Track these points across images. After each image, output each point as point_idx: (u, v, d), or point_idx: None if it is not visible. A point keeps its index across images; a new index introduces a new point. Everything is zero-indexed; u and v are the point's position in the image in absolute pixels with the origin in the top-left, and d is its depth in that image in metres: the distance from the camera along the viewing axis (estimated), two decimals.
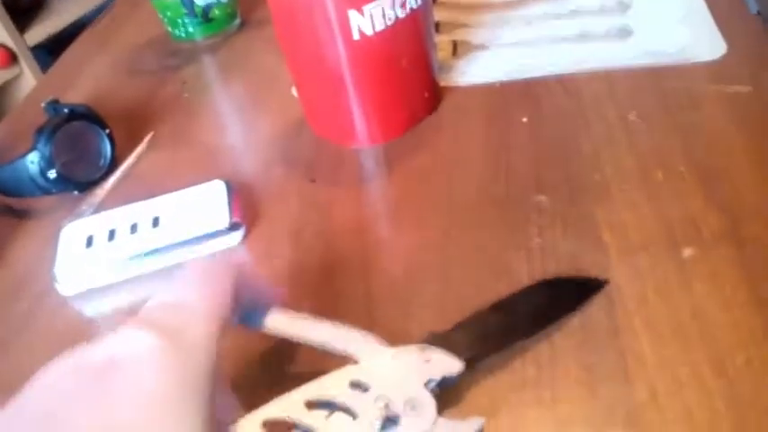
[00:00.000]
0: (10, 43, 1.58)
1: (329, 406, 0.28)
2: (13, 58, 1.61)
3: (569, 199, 0.42)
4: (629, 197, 0.41)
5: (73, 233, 0.44)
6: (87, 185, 0.51)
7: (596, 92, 0.51)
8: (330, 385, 0.28)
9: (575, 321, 0.35)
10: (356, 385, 0.29)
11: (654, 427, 0.30)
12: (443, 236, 0.41)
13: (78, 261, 0.42)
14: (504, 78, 0.54)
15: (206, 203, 0.44)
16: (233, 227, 0.43)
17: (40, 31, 1.64)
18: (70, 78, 0.68)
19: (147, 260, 0.42)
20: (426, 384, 0.29)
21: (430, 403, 0.29)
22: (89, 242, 0.43)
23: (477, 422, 0.29)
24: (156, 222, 0.43)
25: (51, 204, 0.50)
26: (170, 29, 0.69)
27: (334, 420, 0.28)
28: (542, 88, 0.52)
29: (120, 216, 0.44)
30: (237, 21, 0.70)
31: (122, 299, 0.42)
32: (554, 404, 0.31)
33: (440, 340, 0.31)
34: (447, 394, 0.31)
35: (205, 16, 0.67)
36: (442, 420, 0.28)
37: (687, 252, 0.37)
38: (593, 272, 0.37)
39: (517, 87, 0.53)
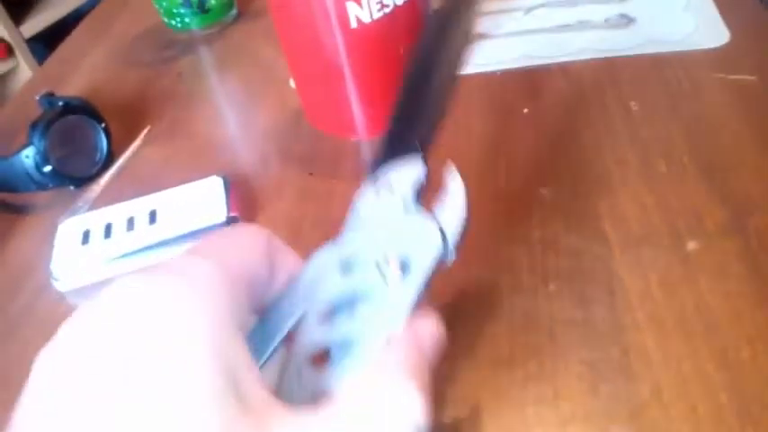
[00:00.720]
0: (6, 36, 1.58)
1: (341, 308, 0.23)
2: (8, 51, 1.60)
3: (571, 191, 0.41)
4: (631, 189, 0.41)
5: (69, 229, 0.43)
6: (83, 180, 0.50)
7: (598, 81, 0.50)
8: (320, 288, 0.23)
9: (577, 316, 0.34)
10: (346, 268, 0.24)
11: (658, 423, 0.29)
12: None
13: (75, 257, 0.42)
14: (505, 68, 0.53)
15: (203, 198, 0.44)
16: (230, 221, 0.42)
17: (36, 24, 1.63)
18: (66, 71, 0.67)
19: (143, 256, 0.41)
20: (407, 208, 0.24)
21: (426, 226, 0.24)
22: (86, 238, 0.42)
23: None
24: (153, 218, 0.43)
25: (47, 200, 0.50)
26: (166, 20, 0.68)
27: (354, 318, 0.23)
28: (543, 78, 0.51)
29: (116, 212, 0.44)
30: (234, 11, 0.69)
31: None
32: (556, 401, 0.31)
33: (381, 161, 0.26)
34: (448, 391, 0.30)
35: (201, 7, 0.66)
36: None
37: (691, 245, 0.36)
38: (596, 266, 0.36)
39: (518, 77, 0.52)
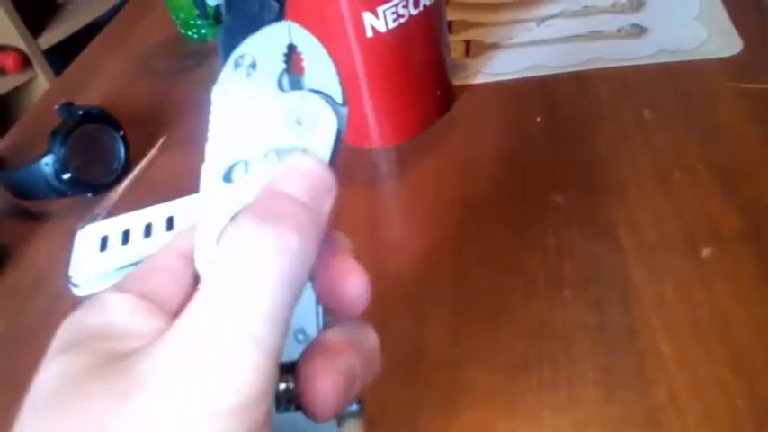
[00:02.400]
0: (23, 47, 1.60)
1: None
2: (26, 62, 1.62)
3: (586, 198, 0.41)
4: (646, 196, 0.41)
5: (87, 235, 0.44)
6: (101, 188, 0.51)
7: (611, 90, 0.50)
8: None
9: (592, 322, 0.34)
10: (229, 174, 0.20)
11: (674, 428, 0.29)
12: (458, 236, 0.41)
13: (93, 263, 0.42)
14: (518, 77, 0.53)
15: None
16: None
17: (54, 36, 1.65)
18: (84, 81, 0.68)
19: None
20: (282, 86, 0.20)
21: (308, 100, 0.20)
22: (104, 244, 0.43)
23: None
24: (170, 224, 0.43)
25: (66, 207, 0.50)
26: (183, 30, 0.69)
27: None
28: (556, 87, 0.52)
29: (134, 219, 0.44)
30: None
31: None
32: (571, 406, 0.31)
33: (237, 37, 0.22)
34: (463, 395, 0.30)
35: (217, 17, 0.67)
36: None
37: (706, 251, 0.36)
38: (610, 272, 0.36)
39: (531, 86, 0.52)
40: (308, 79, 0.20)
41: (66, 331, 0.20)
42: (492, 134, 0.49)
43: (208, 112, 0.20)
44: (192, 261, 0.20)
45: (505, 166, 0.45)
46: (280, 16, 0.21)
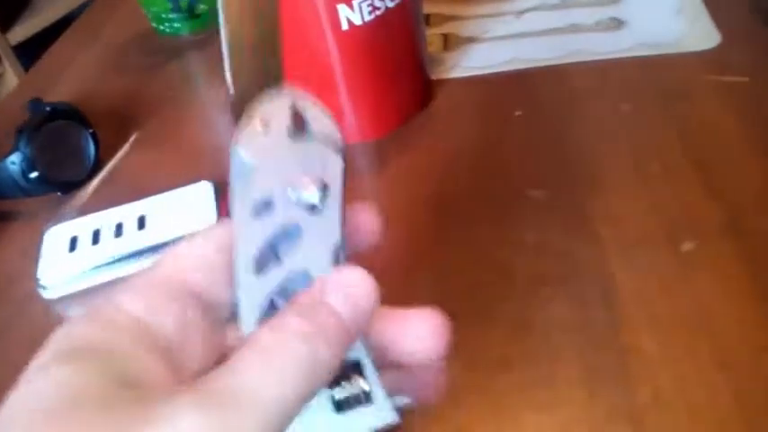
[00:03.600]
0: None
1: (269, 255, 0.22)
2: None
3: (564, 193, 0.41)
4: (625, 190, 0.40)
5: (56, 236, 0.43)
6: (71, 186, 0.50)
7: (589, 84, 0.50)
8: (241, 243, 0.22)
9: (573, 319, 0.34)
10: (257, 212, 0.22)
11: (659, 426, 0.29)
12: (436, 233, 0.40)
13: (62, 264, 0.41)
14: (496, 71, 0.53)
15: (193, 204, 0.43)
16: None
17: (23, 30, 1.61)
18: (54, 76, 0.66)
19: (132, 262, 0.41)
20: (292, 140, 0.22)
21: (313, 139, 0.22)
22: (73, 245, 0.42)
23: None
24: (141, 224, 0.42)
25: (34, 206, 0.49)
26: (155, 25, 0.68)
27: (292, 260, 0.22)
28: (535, 81, 0.51)
29: (104, 218, 0.43)
30: None
31: None
32: (554, 406, 0.30)
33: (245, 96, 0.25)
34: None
35: (191, 11, 0.65)
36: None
37: (687, 245, 0.36)
38: (591, 268, 0.36)
39: (509, 80, 0.52)
40: (312, 132, 0.23)
41: (65, 339, 0.19)
42: (470, 128, 0.48)
43: (228, 163, 0.22)
44: (192, 298, 0.21)
45: (484, 161, 0.45)
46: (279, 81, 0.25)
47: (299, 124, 0.23)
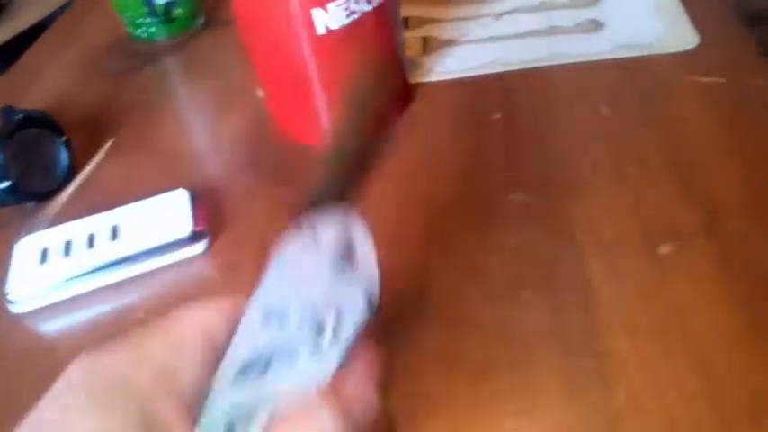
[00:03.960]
0: None
1: (259, 364, 0.22)
2: None
3: (543, 196, 0.41)
4: (603, 193, 0.40)
5: (27, 247, 0.42)
6: (43, 196, 0.49)
7: (568, 86, 0.49)
8: (240, 340, 0.22)
9: (552, 324, 0.33)
10: (268, 317, 0.22)
11: (636, 430, 0.29)
12: (415, 238, 0.40)
13: (32, 277, 0.40)
14: (475, 74, 0.52)
15: (167, 212, 0.42)
16: (196, 236, 0.41)
17: None
18: (27, 83, 0.65)
19: (104, 273, 0.40)
20: (333, 267, 0.23)
21: (353, 292, 0.22)
22: (43, 257, 0.41)
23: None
24: (114, 234, 0.41)
25: (5, 216, 0.48)
26: (131, 29, 0.67)
27: (275, 380, 0.21)
28: (514, 83, 0.51)
29: (76, 228, 0.42)
30: (201, 20, 0.68)
31: (79, 315, 0.40)
32: (533, 412, 0.30)
33: (311, 203, 0.24)
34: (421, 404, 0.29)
35: (167, 16, 0.65)
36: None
37: (664, 249, 0.36)
38: (569, 272, 0.36)
39: (488, 83, 0.51)
40: (353, 271, 0.22)
41: (92, 375, 0.19)
42: (450, 132, 0.48)
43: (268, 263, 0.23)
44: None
45: (463, 165, 0.44)
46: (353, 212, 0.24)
47: (346, 255, 0.23)
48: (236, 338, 0.22)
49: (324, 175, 0.26)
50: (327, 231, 0.23)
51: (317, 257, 0.23)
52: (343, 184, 0.26)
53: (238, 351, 0.21)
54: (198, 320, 0.22)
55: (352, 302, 0.22)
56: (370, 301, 0.22)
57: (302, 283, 0.22)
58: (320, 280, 0.22)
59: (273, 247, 0.22)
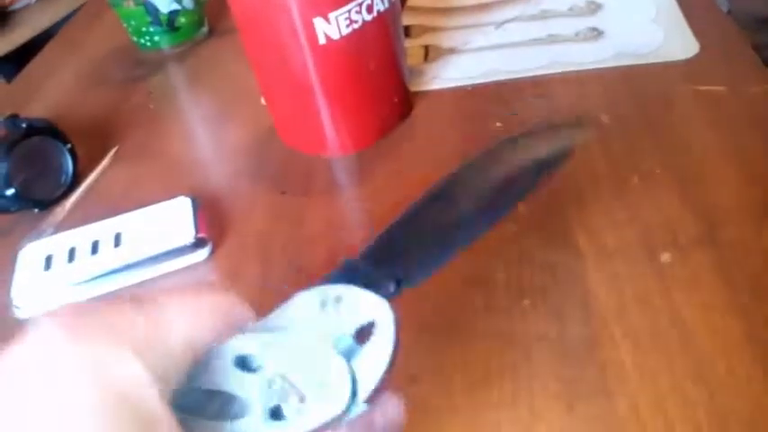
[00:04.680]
0: None
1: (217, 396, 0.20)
2: None
3: (544, 205, 0.41)
4: (604, 202, 0.40)
5: (31, 254, 0.42)
6: (48, 203, 0.49)
7: (568, 94, 0.50)
8: (213, 367, 0.20)
9: (552, 332, 0.33)
10: (242, 363, 0.20)
11: None
12: None
13: (37, 283, 0.40)
14: (476, 82, 0.53)
15: (170, 220, 0.42)
16: (198, 243, 0.41)
17: (4, 45, 1.60)
18: (32, 91, 0.66)
19: (108, 280, 0.40)
20: (336, 345, 0.20)
21: (340, 376, 0.20)
22: (48, 263, 0.41)
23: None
24: (117, 241, 0.41)
25: (10, 224, 0.48)
26: (135, 38, 0.67)
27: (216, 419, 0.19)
28: (515, 92, 0.51)
29: (80, 235, 0.43)
30: (205, 29, 0.69)
31: None
32: (532, 422, 0.30)
33: (354, 269, 0.23)
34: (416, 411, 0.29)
35: (171, 24, 0.65)
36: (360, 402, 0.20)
37: (665, 257, 0.36)
38: (570, 281, 0.36)
39: (489, 91, 0.52)
40: (362, 356, 0.20)
41: (111, 382, 0.17)
42: (451, 140, 0.48)
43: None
44: None
45: None
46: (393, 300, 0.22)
47: (361, 339, 0.21)
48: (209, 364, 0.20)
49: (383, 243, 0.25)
50: (354, 304, 0.21)
51: (327, 323, 0.21)
52: (399, 262, 0.24)
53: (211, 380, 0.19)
54: (186, 317, 0.20)
55: (332, 392, 0.19)
56: (355, 396, 0.20)
57: (299, 339, 0.20)
58: (317, 344, 0.20)
59: (287, 295, 0.21)
